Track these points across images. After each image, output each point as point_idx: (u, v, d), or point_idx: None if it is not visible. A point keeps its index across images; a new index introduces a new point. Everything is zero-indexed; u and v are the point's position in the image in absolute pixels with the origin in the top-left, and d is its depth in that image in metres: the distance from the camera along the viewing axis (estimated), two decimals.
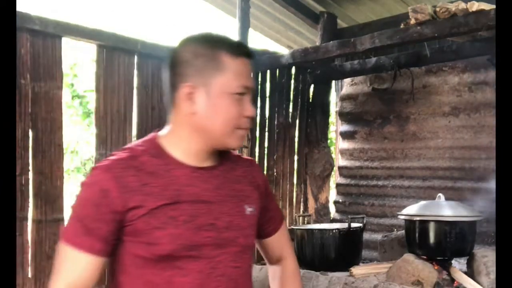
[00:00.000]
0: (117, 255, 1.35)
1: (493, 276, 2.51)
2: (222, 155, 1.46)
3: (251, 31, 3.80)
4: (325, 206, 4.14)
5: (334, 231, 3.17)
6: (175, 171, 1.36)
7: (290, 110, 4.04)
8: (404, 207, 3.04)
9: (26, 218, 2.68)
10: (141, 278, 1.33)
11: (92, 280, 1.32)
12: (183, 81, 1.36)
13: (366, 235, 3.56)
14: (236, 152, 1.57)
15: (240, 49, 1.39)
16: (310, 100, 4.16)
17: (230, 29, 4.56)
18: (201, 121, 1.36)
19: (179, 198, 1.33)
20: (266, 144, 3.89)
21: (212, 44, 1.37)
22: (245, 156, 1.63)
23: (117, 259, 1.36)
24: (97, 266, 1.32)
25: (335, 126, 5.41)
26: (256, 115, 1.50)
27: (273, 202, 1.65)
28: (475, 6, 2.61)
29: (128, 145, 1.43)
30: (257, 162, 3.82)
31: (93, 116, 3.26)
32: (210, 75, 1.35)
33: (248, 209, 1.45)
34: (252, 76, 1.41)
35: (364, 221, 3.29)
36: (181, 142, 1.39)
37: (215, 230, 1.36)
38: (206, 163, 1.41)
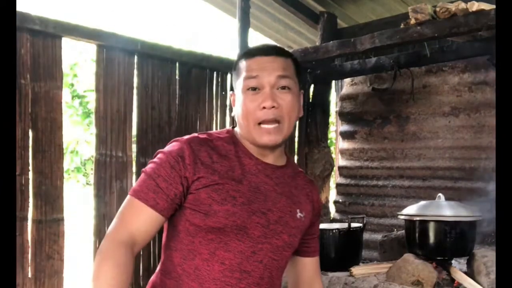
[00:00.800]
0: (173, 221, 1.49)
1: (493, 276, 2.51)
2: (288, 162, 1.62)
3: (251, 31, 3.80)
4: (325, 206, 4.14)
5: (334, 231, 3.17)
6: (244, 159, 1.52)
7: None
8: (404, 207, 3.04)
9: (26, 218, 2.68)
10: (189, 245, 1.46)
11: (150, 234, 1.44)
12: (231, 90, 1.63)
13: (366, 235, 3.56)
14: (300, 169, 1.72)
15: (254, 51, 1.54)
16: (310, 100, 4.16)
17: (230, 29, 4.56)
18: (237, 120, 1.55)
19: (242, 182, 1.48)
20: None
21: (240, 55, 1.58)
22: (307, 176, 1.80)
23: (173, 224, 1.49)
24: (157, 223, 1.44)
25: (335, 126, 5.41)
26: (282, 107, 1.54)
27: (318, 231, 1.79)
28: (475, 6, 2.62)
29: (206, 132, 1.60)
30: None
31: (93, 116, 3.26)
32: (235, 82, 1.55)
33: (299, 213, 1.58)
34: (269, 67, 1.50)
35: (364, 221, 3.29)
36: (242, 139, 1.56)
37: (265, 219, 1.49)
38: (267, 160, 1.56)
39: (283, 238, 1.53)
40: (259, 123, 1.49)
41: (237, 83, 1.53)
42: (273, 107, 1.47)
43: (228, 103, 3.67)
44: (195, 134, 1.54)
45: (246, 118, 1.49)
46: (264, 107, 1.47)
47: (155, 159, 1.48)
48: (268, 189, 1.52)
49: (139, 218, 1.42)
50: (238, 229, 1.44)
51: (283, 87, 1.50)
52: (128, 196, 1.45)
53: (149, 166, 1.47)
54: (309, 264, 1.73)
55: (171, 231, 1.51)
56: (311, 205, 1.66)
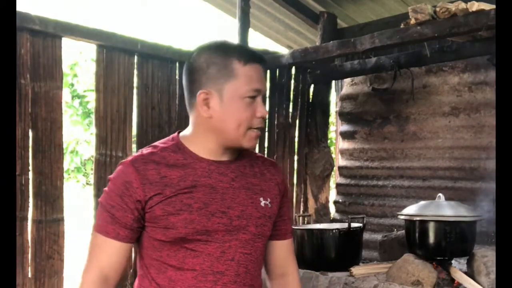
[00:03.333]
0: (140, 240, 1.51)
1: (493, 276, 2.51)
2: (242, 153, 1.59)
3: (251, 31, 3.81)
4: (325, 206, 4.14)
5: (334, 231, 3.17)
6: (193, 164, 1.51)
7: (290, 110, 4.04)
8: (404, 207, 3.04)
9: (26, 218, 2.69)
10: (159, 259, 1.48)
11: (121, 264, 1.49)
12: (199, 88, 1.49)
13: (366, 235, 3.56)
14: (258, 153, 1.70)
15: (250, 56, 1.51)
16: (310, 100, 4.16)
17: (230, 29, 4.56)
18: (217, 124, 1.50)
19: (195, 188, 1.48)
20: (266, 144, 3.89)
21: (224, 53, 1.50)
22: (268, 158, 1.74)
23: (140, 243, 1.52)
24: (124, 252, 1.48)
25: (335, 126, 5.41)
26: (268, 115, 1.57)
27: (289, 211, 1.73)
28: (475, 6, 2.61)
29: (152, 144, 1.58)
30: None
31: (93, 116, 3.26)
32: (223, 82, 1.48)
33: (263, 202, 1.57)
34: (263, 79, 1.53)
35: (364, 221, 3.29)
36: (198, 140, 1.53)
37: (227, 217, 1.49)
38: (222, 158, 1.55)
39: (250, 231, 1.52)
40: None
41: (226, 86, 1.48)
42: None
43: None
44: (139, 152, 1.53)
45: (240, 125, 1.48)
46: (259, 117, 1.50)
47: (106, 188, 1.50)
48: (224, 187, 1.51)
49: (107, 252, 1.46)
50: (200, 234, 1.45)
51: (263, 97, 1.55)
52: (93, 233, 1.49)
53: (103, 196, 1.49)
54: (281, 247, 1.69)
55: (140, 250, 1.53)
56: (277, 188, 1.63)
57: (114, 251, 1.46)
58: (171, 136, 1.59)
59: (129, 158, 1.52)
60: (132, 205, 1.45)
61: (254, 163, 1.62)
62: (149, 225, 1.47)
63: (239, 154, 1.58)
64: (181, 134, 1.58)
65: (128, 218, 1.45)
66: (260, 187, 1.58)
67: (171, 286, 1.47)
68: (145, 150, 1.53)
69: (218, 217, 1.47)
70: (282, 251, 1.69)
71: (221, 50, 1.51)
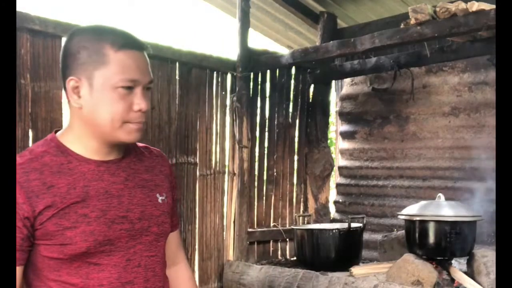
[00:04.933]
0: (29, 262, 1.34)
1: (493, 276, 2.51)
2: (127, 147, 1.45)
3: (251, 31, 3.80)
4: (325, 206, 4.14)
5: (334, 231, 3.17)
6: (80, 168, 1.35)
7: (290, 110, 4.03)
8: (404, 207, 3.04)
9: None
10: (57, 280, 1.32)
11: None
12: (69, 74, 1.35)
13: (366, 235, 3.57)
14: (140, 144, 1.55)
15: (126, 41, 1.36)
16: (310, 100, 4.16)
17: (230, 29, 4.56)
18: (87, 115, 1.34)
19: (88, 194, 1.33)
20: (266, 144, 3.89)
21: (97, 37, 1.35)
22: (152, 147, 1.60)
23: (31, 264, 1.34)
24: (19, 277, 1.31)
25: (335, 126, 5.41)
26: (150, 109, 1.42)
27: (176, 202, 1.63)
28: (475, 6, 2.61)
29: (26, 149, 1.39)
30: (256, 162, 3.84)
31: None
32: (93, 69, 1.32)
33: (160, 198, 1.47)
34: (143, 69, 1.37)
35: (364, 221, 3.29)
36: (80, 139, 1.38)
37: (128, 222, 1.37)
38: (110, 156, 1.40)
39: (153, 231, 1.42)
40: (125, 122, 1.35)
41: (97, 73, 1.32)
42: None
43: (216, 101, 3.66)
44: (16, 160, 1.32)
45: (112, 118, 1.33)
46: (136, 110, 1.35)
47: None
48: (119, 188, 1.38)
49: None
50: (103, 245, 1.32)
51: (149, 88, 1.40)
52: None
53: None
54: (173, 239, 1.60)
55: (32, 272, 1.35)
56: (168, 181, 1.53)
57: None
58: (47, 137, 1.41)
59: None
60: (19, 223, 1.27)
61: (142, 157, 1.49)
62: (41, 243, 1.30)
63: (125, 149, 1.44)
64: (58, 133, 1.41)
65: (17, 238, 1.27)
66: (154, 182, 1.47)
67: None
68: (20, 158, 1.33)
69: (118, 223, 1.35)
70: (174, 243, 1.62)
71: (94, 33, 1.36)
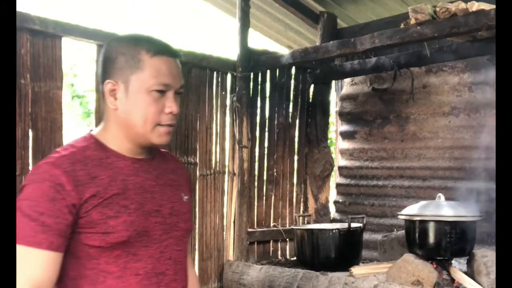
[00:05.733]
0: (69, 250, 1.38)
1: (493, 276, 2.51)
2: (154, 150, 1.56)
3: (251, 31, 3.81)
4: (325, 206, 4.14)
5: (334, 231, 3.17)
6: (118, 163, 1.45)
7: (290, 110, 4.04)
8: (404, 207, 3.04)
9: None
10: (95, 269, 1.39)
11: (55, 275, 1.36)
12: (107, 77, 1.45)
13: (366, 235, 3.57)
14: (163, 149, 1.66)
15: (161, 48, 1.46)
16: (310, 100, 4.16)
17: (230, 29, 4.56)
18: (122, 116, 1.45)
19: (127, 187, 1.43)
20: (266, 144, 3.89)
21: (133, 44, 1.46)
22: (170, 153, 1.72)
23: (68, 254, 1.38)
24: (58, 262, 1.35)
25: (335, 126, 5.41)
26: (180, 113, 1.52)
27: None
28: (475, 6, 2.61)
29: (67, 144, 1.48)
30: (256, 162, 3.84)
31: (93, 116, 3.26)
32: (129, 73, 1.43)
33: (185, 197, 1.59)
34: (175, 74, 1.47)
35: (364, 221, 3.29)
36: (115, 138, 1.47)
37: (160, 216, 1.48)
38: (141, 156, 1.51)
39: (181, 227, 1.53)
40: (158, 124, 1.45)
41: (133, 77, 1.42)
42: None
43: (216, 101, 3.66)
44: (59, 153, 1.40)
45: (146, 120, 1.43)
46: (168, 113, 1.44)
47: (25, 195, 1.34)
48: (151, 185, 1.48)
49: (39, 266, 1.31)
50: (141, 236, 1.41)
51: (180, 93, 1.50)
52: (17, 246, 1.29)
53: (24, 205, 1.31)
54: None
55: (68, 260, 1.39)
56: (187, 183, 1.66)
57: (49, 263, 1.32)
58: (85, 135, 1.50)
59: (49, 159, 1.39)
60: (66, 209, 1.33)
61: (166, 159, 1.61)
62: (84, 231, 1.36)
63: (153, 152, 1.55)
64: (93, 132, 1.51)
65: (61, 224, 1.32)
66: (178, 182, 1.59)
67: None
68: (64, 151, 1.42)
69: (153, 216, 1.45)
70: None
71: (130, 40, 1.48)
